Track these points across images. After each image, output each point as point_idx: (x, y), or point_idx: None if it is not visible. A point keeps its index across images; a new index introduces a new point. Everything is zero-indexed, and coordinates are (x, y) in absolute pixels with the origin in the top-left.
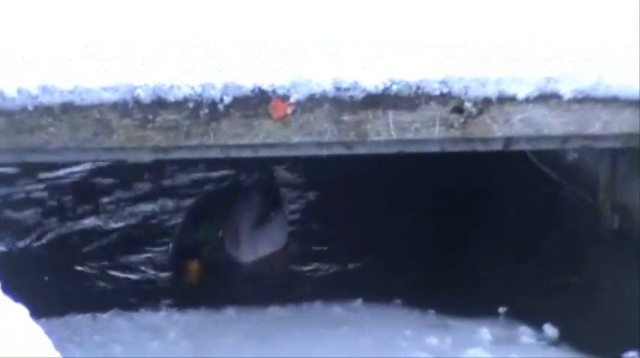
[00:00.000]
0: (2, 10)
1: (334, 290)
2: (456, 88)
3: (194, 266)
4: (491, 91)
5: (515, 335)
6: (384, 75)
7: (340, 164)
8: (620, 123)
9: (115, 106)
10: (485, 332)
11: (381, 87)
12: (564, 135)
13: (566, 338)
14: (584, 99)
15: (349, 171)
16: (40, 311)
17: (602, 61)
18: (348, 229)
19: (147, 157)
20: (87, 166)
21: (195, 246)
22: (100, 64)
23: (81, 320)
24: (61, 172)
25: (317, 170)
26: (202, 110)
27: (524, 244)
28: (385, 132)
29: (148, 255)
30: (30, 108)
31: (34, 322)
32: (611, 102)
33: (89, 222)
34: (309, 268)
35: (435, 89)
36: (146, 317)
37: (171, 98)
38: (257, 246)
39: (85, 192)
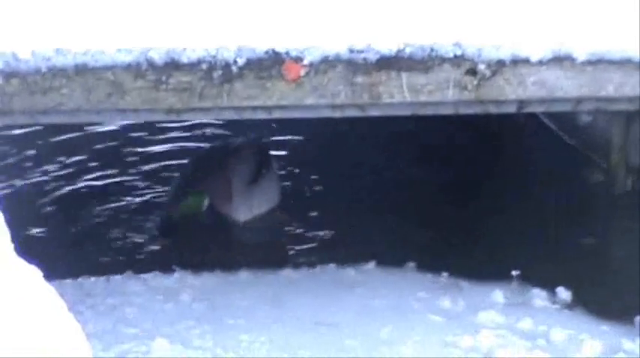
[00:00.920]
0: None
1: (348, 253)
2: (470, 51)
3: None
4: (505, 54)
5: (528, 298)
6: (397, 37)
7: (354, 124)
8: (634, 85)
9: (128, 68)
10: (498, 294)
11: (394, 49)
12: (578, 98)
13: (579, 301)
14: (598, 62)
15: (364, 132)
16: (53, 273)
17: (615, 22)
18: (360, 193)
19: (160, 119)
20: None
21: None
22: (114, 26)
23: (94, 283)
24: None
25: (330, 131)
26: (216, 71)
27: (537, 207)
28: (399, 95)
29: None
30: (43, 69)
31: (47, 283)
32: (625, 64)
33: (105, 183)
34: (322, 232)
35: (449, 51)
36: (159, 280)
37: (184, 60)
38: (252, 204)
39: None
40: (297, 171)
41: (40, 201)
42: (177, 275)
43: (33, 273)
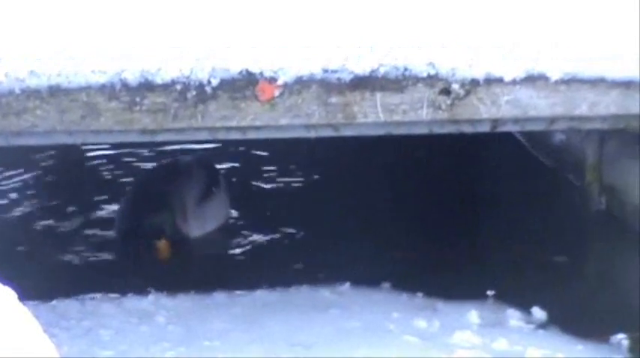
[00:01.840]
0: None
1: (322, 273)
2: (444, 70)
3: (163, 244)
4: (479, 73)
5: (503, 318)
6: (371, 57)
7: (328, 145)
8: (607, 104)
9: (102, 89)
10: (473, 315)
11: (368, 69)
12: (551, 117)
13: (554, 320)
14: (571, 81)
15: (337, 153)
16: (27, 294)
17: (588, 42)
18: (335, 212)
19: (134, 140)
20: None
21: (155, 226)
22: (87, 47)
23: (68, 305)
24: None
25: (304, 152)
26: (190, 92)
27: (512, 226)
28: (373, 114)
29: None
30: (17, 91)
31: (22, 305)
32: (598, 83)
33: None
34: (296, 252)
35: (423, 71)
36: (134, 302)
37: (158, 80)
38: (204, 222)
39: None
40: (269, 190)
41: (12, 222)
42: (151, 297)
43: (8, 294)
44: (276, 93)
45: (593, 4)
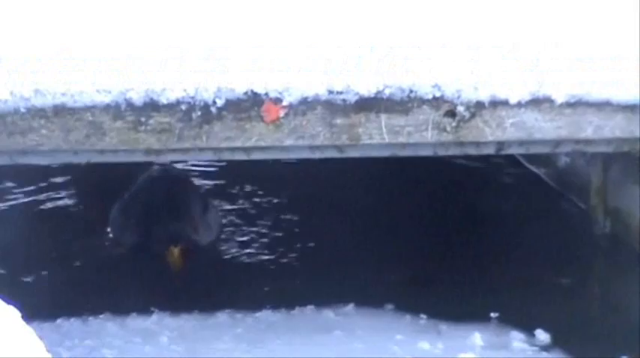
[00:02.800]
0: None
1: (326, 294)
2: (449, 92)
3: (176, 251)
4: (484, 95)
5: (506, 340)
6: (376, 78)
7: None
8: (612, 127)
9: (107, 108)
10: (477, 337)
11: (373, 90)
12: (556, 140)
13: (557, 343)
14: (577, 104)
15: (340, 173)
16: (30, 314)
17: (594, 65)
18: (338, 233)
19: (139, 159)
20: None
21: (171, 233)
22: (93, 67)
23: (72, 324)
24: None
25: (306, 171)
26: (195, 113)
27: (516, 248)
28: (378, 136)
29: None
30: (22, 110)
31: (26, 324)
32: (604, 106)
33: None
34: (300, 273)
35: (428, 93)
36: (137, 322)
37: (163, 100)
38: (210, 230)
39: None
40: (273, 211)
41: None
42: (155, 316)
43: (12, 314)
44: (282, 114)
45: (598, 27)
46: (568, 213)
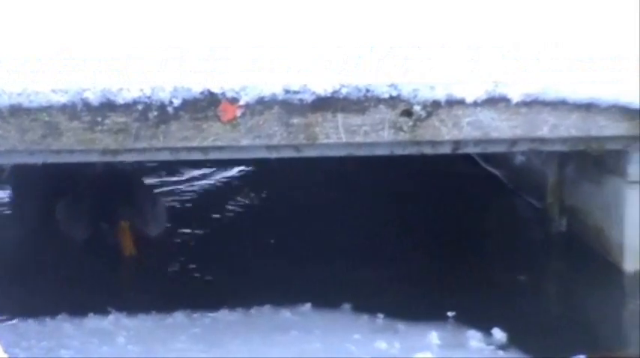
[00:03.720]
0: None
1: (283, 294)
2: (405, 92)
3: (126, 226)
4: (440, 94)
5: (463, 339)
6: (333, 78)
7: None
8: (568, 126)
9: (63, 109)
10: (434, 336)
11: (330, 90)
12: (512, 139)
13: (514, 342)
14: (532, 103)
15: (299, 173)
16: None
17: (550, 64)
18: (296, 232)
19: (95, 160)
20: None
21: (121, 215)
22: (49, 66)
23: (29, 325)
24: None
25: (266, 172)
26: (151, 112)
27: (473, 248)
28: (334, 135)
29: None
30: None
31: None
32: (559, 105)
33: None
34: (257, 272)
35: (384, 92)
36: (94, 322)
37: (120, 100)
38: (158, 222)
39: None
40: (233, 210)
41: None
42: (112, 317)
43: None
44: (238, 113)
45: (553, 26)
46: (524, 212)
